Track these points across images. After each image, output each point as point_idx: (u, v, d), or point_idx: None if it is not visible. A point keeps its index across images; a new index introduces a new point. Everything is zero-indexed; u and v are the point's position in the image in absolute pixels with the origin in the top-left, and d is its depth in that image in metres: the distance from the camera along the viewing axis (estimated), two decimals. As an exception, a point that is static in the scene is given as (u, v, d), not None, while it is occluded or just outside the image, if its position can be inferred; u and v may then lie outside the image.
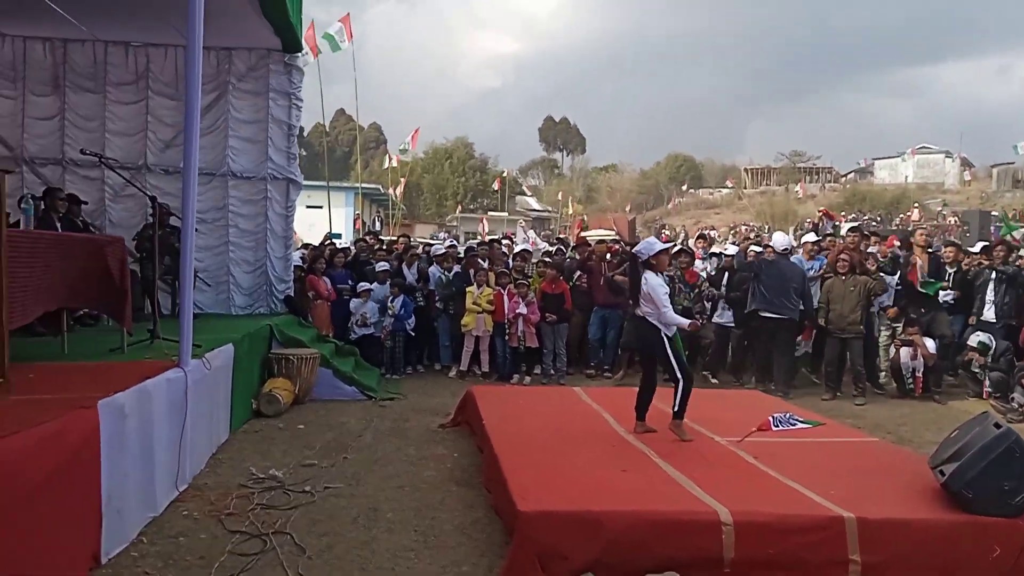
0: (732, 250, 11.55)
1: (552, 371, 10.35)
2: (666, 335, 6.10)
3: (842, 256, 9.70)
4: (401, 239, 13.42)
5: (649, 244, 6.42)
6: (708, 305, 10.43)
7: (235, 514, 4.84)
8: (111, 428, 4.19)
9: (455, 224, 48.21)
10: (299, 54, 10.05)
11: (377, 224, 37.01)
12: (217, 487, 5.41)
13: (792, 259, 10.29)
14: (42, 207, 7.57)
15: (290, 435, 7.06)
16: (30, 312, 4.92)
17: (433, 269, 11.08)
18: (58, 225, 7.60)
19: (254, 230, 9.97)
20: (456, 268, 11.03)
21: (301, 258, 11.44)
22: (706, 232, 24.74)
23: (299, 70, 10.05)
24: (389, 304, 10.30)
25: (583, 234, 16.78)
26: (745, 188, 62.22)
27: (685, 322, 6.24)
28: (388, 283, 10.48)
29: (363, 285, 10.40)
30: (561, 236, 22.50)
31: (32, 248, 4.98)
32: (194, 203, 5.62)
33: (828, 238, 12.14)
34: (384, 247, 12.67)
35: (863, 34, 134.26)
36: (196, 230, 6.23)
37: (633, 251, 6.60)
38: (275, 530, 4.58)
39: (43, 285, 5.08)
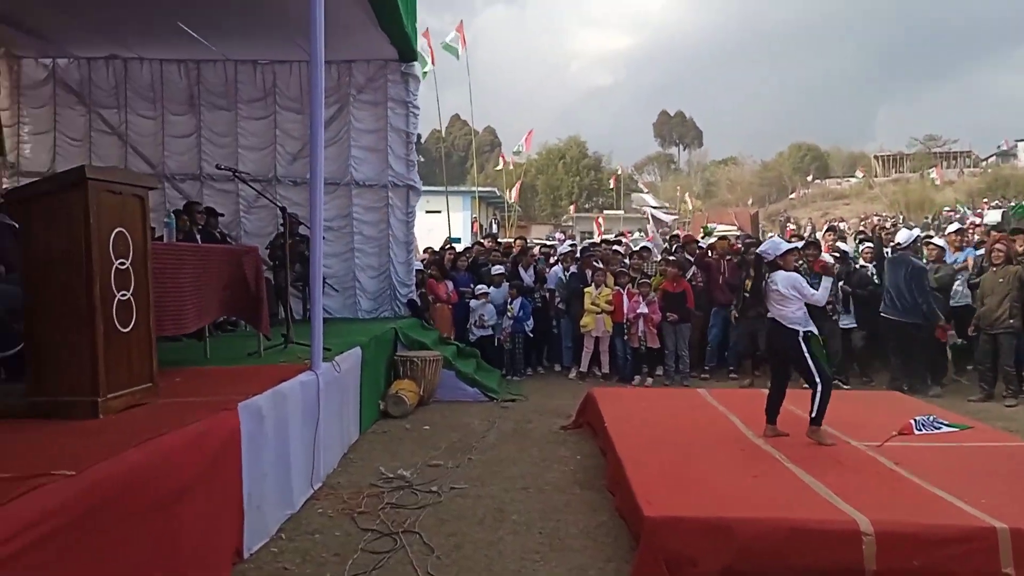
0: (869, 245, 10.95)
1: (675, 372, 10.14)
2: (803, 337, 5.83)
3: (997, 246, 9.03)
4: (517, 241, 13.50)
5: (775, 244, 6.20)
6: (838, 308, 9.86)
7: (367, 512, 4.98)
8: (250, 429, 4.39)
9: (570, 224, 48.12)
10: (414, 63, 10.28)
11: (494, 227, 37.43)
12: (349, 486, 5.59)
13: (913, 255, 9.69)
14: (184, 221, 8.06)
15: (416, 436, 7.22)
16: (182, 324, 5.25)
17: (556, 269, 11.09)
18: (198, 237, 8.07)
19: (377, 236, 10.29)
20: (573, 268, 10.99)
21: (422, 262, 11.70)
22: (835, 224, 23.67)
23: (415, 79, 10.30)
24: (508, 306, 10.37)
25: (710, 227, 16.33)
26: (876, 176, 59.18)
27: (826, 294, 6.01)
28: (505, 285, 10.56)
29: (480, 288, 10.53)
30: (677, 233, 22.05)
31: (177, 259, 5.30)
32: (321, 212, 5.84)
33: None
34: (501, 249, 12.78)
35: (1002, 5, 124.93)
36: (323, 238, 6.47)
37: (758, 252, 6.38)
38: (404, 529, 4.68)
39: (193, 298, 5.41)
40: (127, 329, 4.14)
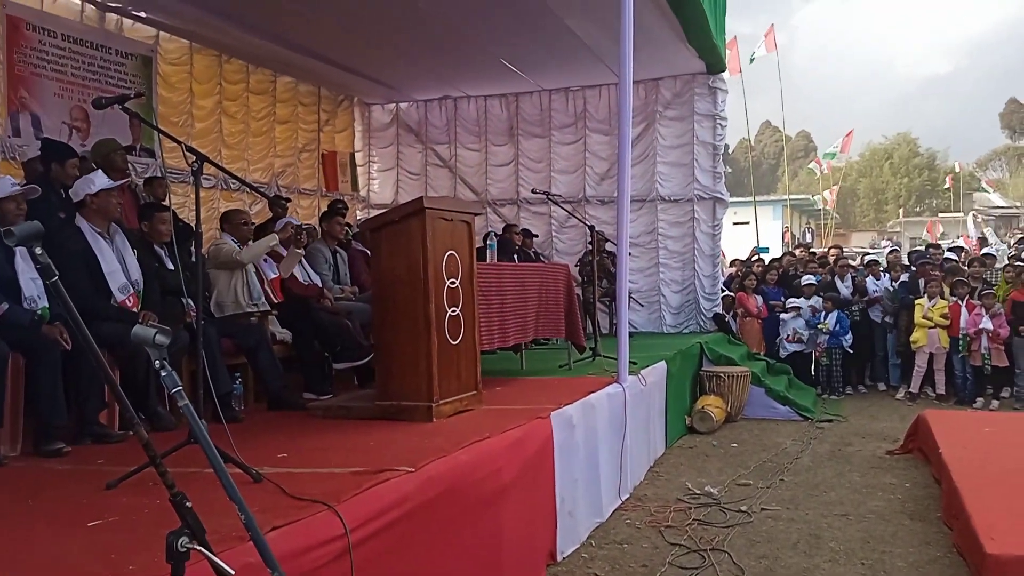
0: None
1: (1028, 395, 8.80)
2: None
3: None
4: (832, 250, 12.67)
5: None
6: None
7: (674, 527, 5.00)
8: (562, 437, 4.64)
9: (897, 230, 43.87)
10: (722, 74, 10.15)
11: (808, 236, 35.38)
12: (656, 499, 5.65)
13: None
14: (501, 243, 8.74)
15: (724, 453, 7.08)
16: (503, 338, 5.73)
17: (885, 279, 10.25)
18: (515, 257, 8.70)
19: (682, 251, 10.30)
20: (903, 277, 10.05)
21: (729, 276, 11.45)
22: None
23: (723, 91, 10.18)
24: (822, 320, 9.76)
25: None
26: None
27: None
28: (817, 297, 9.96)
29: (791, 301, 10.04)
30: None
31: (498, 278, 5.78)
32: (627, 229, 6.00)
33: None
34: (816, 259, 12.09)
35: None
36: (629, 254, 6.63)
37: None
38: (713, 547, 4.61)
39: (513, 313, 5.88)
40: (456, 342, 4.61)
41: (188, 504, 1.72)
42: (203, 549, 1.71)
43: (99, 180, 4.35)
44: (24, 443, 3.89)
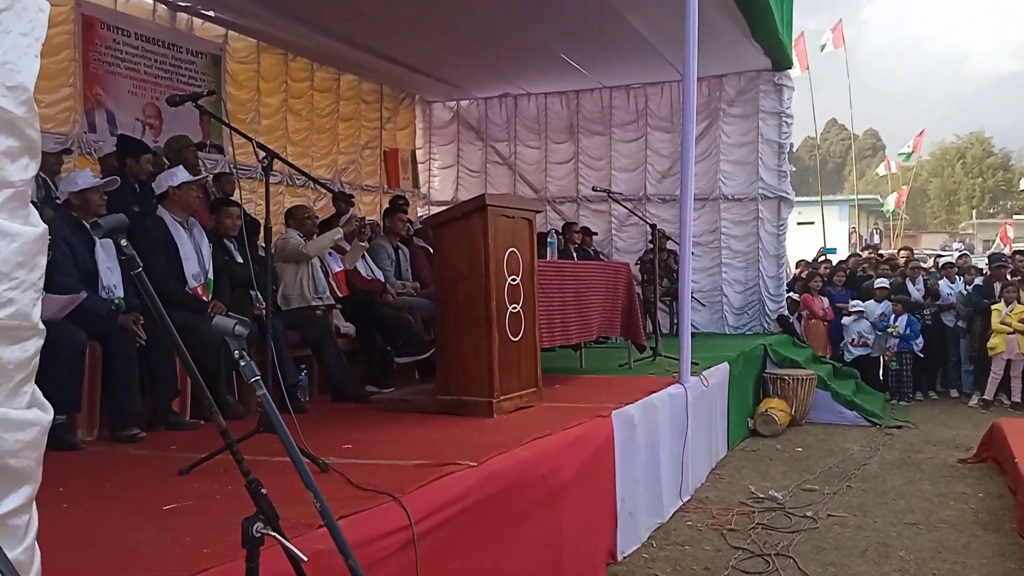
0: None
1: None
2: None
3: None
4: (902, 252, 12.31)
5: None
6: None
7: (736, 530, 4.90)
8: (623, 436, 4.60)
9: (970, 232, 42.38)
10: (788, 71, 9.94)
11: (876, 237, 34.43)
12: (718, 501, 5.56)
13: None
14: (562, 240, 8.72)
15: (788, 457, 6.93)
16: (564, 336, 5.72)
17: (959, 283, 9.91)
18: (575, 255, 8.66)
19: (745, 250, 10.12)
20: (977, 280, 9.70)
21: (794, 276, 11.21)
22: None
23: (789, 88, 9.97)
24: (892, 324, 9.48)
25: None
26: None
27: None
28: (887, 301, 9.67)
29: (855, 304, 9.77)
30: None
31: (559, 276, 5.76)
32: (690, 227, 5.91)
33: None
34: (885, 261, 11.75)
35: None
36: (691, 253, 6.55)
37: None
38: (777, 552, 4.51)
39: (574, 311, 5.86)
40: (517, 338, 4.61)
41: (263, 491, 1.75)
42: (277, 535, 1.73)
43: (181, 174, 4.59)
44: (100, 429, 4.02)
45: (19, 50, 1.38)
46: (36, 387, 1.45)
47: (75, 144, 6.38)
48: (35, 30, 1.42)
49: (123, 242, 1.70)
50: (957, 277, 10.07)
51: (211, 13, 7.78)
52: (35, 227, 1.37)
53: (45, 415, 1.43)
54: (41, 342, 1.42)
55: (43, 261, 1.37)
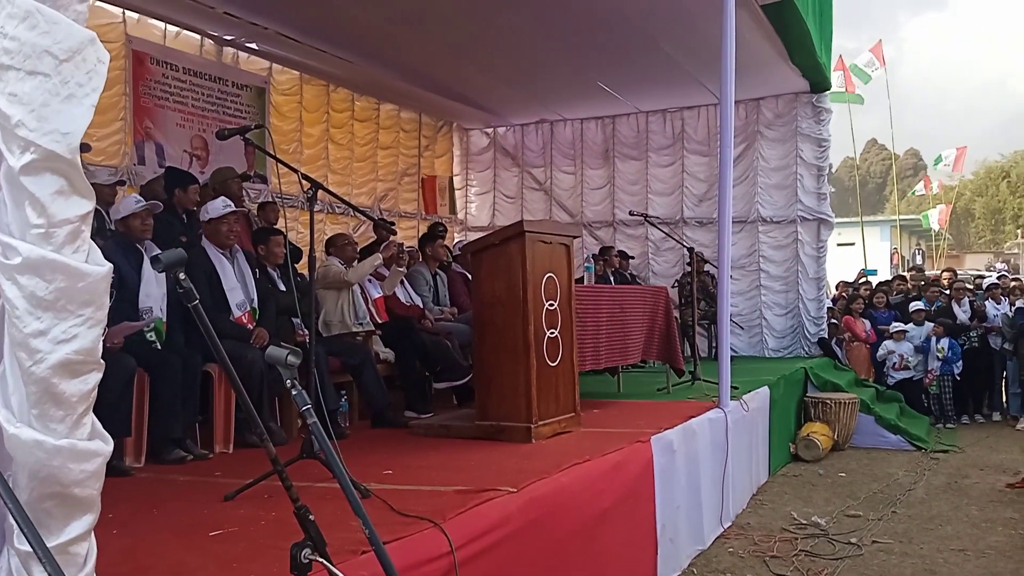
0: None
1: None
2: None
3: None
4: (945, 273, 12.08)
5: None
6: None
7: (779, 557, 4.84)
8: (663, 461, 4.58)
9: (1016, 252, 41.37)
10: (827, 92, 9.90)
11: (918, 257, 33.80)
12: (760, 527, 5.49)
13: None
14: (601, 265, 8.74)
15: (831, 483, 6.82)
16: (601, 360, 5.72)
17: (1004, 304, 9.73)
18: (611, 279, 8.67)
19: (784, 274, 10.04)
20: (1019, 303, 9.49)
21: (834, 299, 11.07)
22: None
23: (827, 110, 9.94)
24: (936, 346, 9.31)
25: None
26: None
27: None
28: (927, 323, 9.49)
29: (896, 326, 9.60)
30: None
31: (595, 300, 5.78)
32: (728, 251, 5.90)
33: None
34: (928, 282, 11.54)
35: None
36: (730, 276, 6.52)
37: None
38: (820, 580, 4.45)
39: (610, 335, 5.86)
40: (555, 363, 4.63)
41: (311, 517, 1.80)
42: (325, 561, 1.77)
43: (212, 209, 4.67)
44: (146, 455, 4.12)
45: (76, 100, 1.47)
46: (95, 417, 1.52)
47: (125, 175, 6.58)
48: (92, 80, 1.50)
49: (181, 276, 1.77)
50: (1002, 298, 9.87)
51: (254, 46, 8.00)
52: (100, 266, 1.44)
53: (106, 445, 1.50)
54: (100, 375, 1.50)
55: (107, 300, 1.44)
